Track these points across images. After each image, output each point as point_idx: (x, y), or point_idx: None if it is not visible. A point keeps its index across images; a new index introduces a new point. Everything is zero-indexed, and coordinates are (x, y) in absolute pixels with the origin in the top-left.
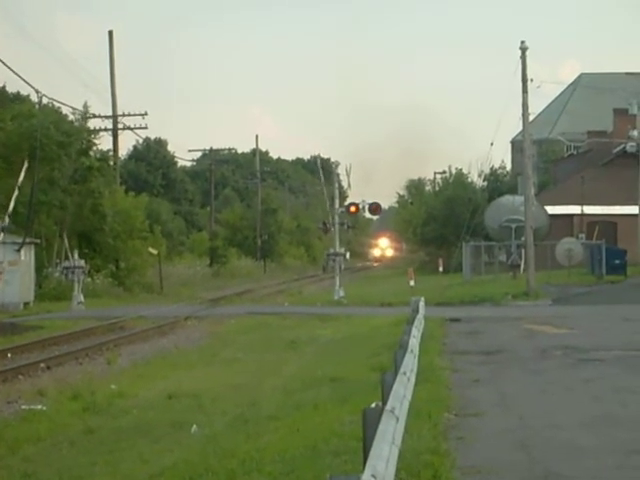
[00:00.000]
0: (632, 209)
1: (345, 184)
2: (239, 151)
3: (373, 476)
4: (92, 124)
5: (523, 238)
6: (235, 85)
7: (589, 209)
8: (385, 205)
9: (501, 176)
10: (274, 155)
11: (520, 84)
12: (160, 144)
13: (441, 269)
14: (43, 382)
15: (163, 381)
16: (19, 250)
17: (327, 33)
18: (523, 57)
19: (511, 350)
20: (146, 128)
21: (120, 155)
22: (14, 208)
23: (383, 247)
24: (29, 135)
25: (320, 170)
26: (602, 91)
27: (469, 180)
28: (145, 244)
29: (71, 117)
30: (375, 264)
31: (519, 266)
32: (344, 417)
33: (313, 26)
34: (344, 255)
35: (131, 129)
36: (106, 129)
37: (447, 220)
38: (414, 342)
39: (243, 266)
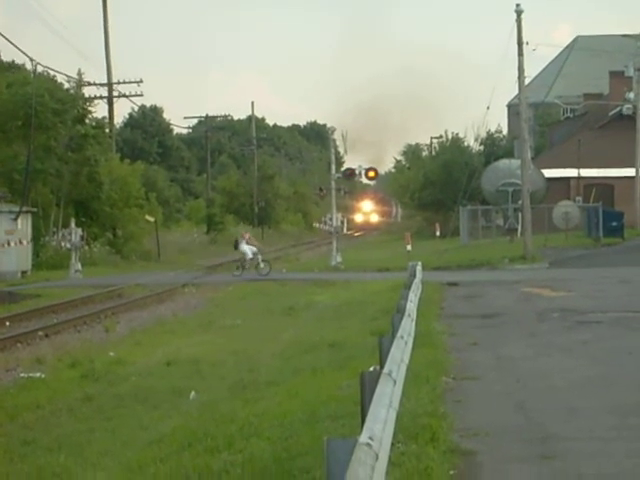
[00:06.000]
0: (629, 171)
1: (341, 150)
2: (235, 118)
3: (370, 438)
4: (87, 92)
5: (520, 202)
6: (231, 51)
7: (586, 172)
8: (382, 171)
9: (497, 140)
10: (270, 122)
11: (516, 47)
12: (156, 111)
13: (438, 233)
14: (41, 350)
15: (161, 348)
16: (16, 219)
17: (324, 4)
18: (518, 20)
19: (509, 313)
20: (141, 95)
21: (116, 123)
22: (10, 176)
23: (367, 211)
24: (24, 103)
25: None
26: (598, 53)
27: (466, 144)
28: (142, 212)
29: (66, 85)
30: (356, 234)
31: (516, 230)
32: (342, 381)
33: None
34: (341, 228)
35: (126, 97)
36: (101, 97)
37: (444, 184)
38: (411, 306)
39: (240, 233)
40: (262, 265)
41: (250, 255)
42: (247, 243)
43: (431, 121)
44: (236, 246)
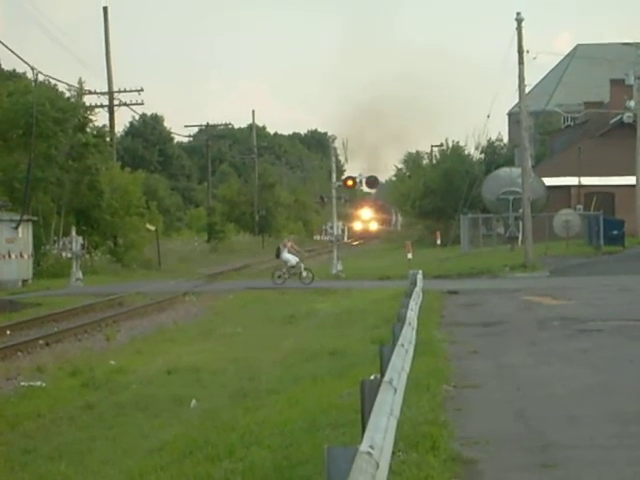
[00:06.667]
0: (629, 179)
1: (342, 158)
2: (236, 126)
3: (371, 447)
4: (88, 100)
5: (521, 210)
6: (231, 60)
7: (586, 180)
8: (382, 179)
9: (498, 148)
10: (271, 130)
11: (516, 55)
12: (156, 120)
13: (439, 242)
14: (42, 359)
15: (162, 356)
16: (17, 227)
17: (324, 6)
18: (519, 28)
19: (509, 322)
20: (142, 104)
21: (116, 131)
22: (11, 185)
23: (365, 219)
24: (25, 112)
25: None
26: (598, 62)
27: (466, 153)
28: (142, 220)
29: (67, 94)
30: (354, 242)
31: (517, 238)
32: (343, 390)
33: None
34: (342, 237)
35: (127, 105)
36: (102, 105)
37: (445, 193)
38: (412, 315)
39: (241, 241)
40: (304, 274)
41: (293, 263)
42: (289, 251)
43: (431, 127)
44: (278, 254)
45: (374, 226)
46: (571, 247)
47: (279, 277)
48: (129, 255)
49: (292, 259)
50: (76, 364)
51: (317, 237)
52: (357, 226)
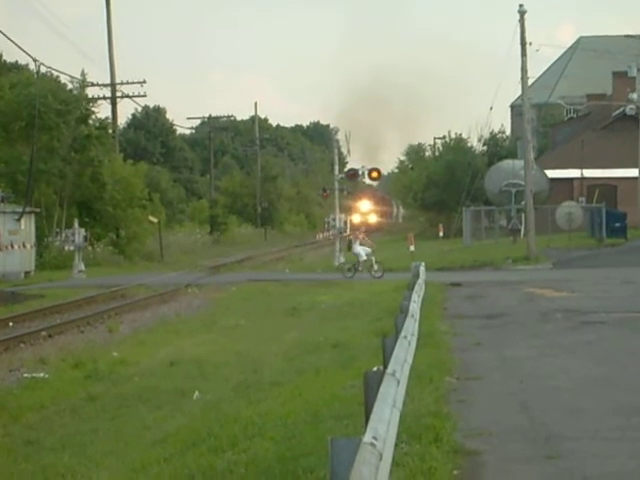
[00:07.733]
0: (632, 172)
1: (345, 150)
2: (238, 118)
3: (374, 438)
4: (90, 92)
5: (523, 202)
6: (233, 52)
7: (589, 172)
8: (384, 171)
9: (501, 140)
10: (273, 122)
11: (519, 48)
12: (159, 112)
13: (441, 234)
14: (45, 350)
15: (165, 348)
16: (19, 219)
17: None
18: (521, 20)
19: (512, 314)
20: (145, 96)
21: (119, 123)
22: (13, 177)
23: (364, 211)
24: (27, 104)
25: None
26: (601, 54)
27: (469, 145)
28: (145, 212)
29: (69, 86)
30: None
31: (519, 230)
32: (346, 382)
33: None
34: (344, 229)
35: (130, 97)
36: (105, 97)
37: (447, 185)
38: (415, 307)
39: (243, 233)
40: (376, 267)
41: (364, 257)
42: (361, 244)
43: (434, 118)
44: (349, 247)
45: (373, 218)
46: (573, 239)
47: (349, 270)
48: (131, 247)
49: (363, 252)
50: (79, 356)
51: (319, 236)
52: (356, 218)
